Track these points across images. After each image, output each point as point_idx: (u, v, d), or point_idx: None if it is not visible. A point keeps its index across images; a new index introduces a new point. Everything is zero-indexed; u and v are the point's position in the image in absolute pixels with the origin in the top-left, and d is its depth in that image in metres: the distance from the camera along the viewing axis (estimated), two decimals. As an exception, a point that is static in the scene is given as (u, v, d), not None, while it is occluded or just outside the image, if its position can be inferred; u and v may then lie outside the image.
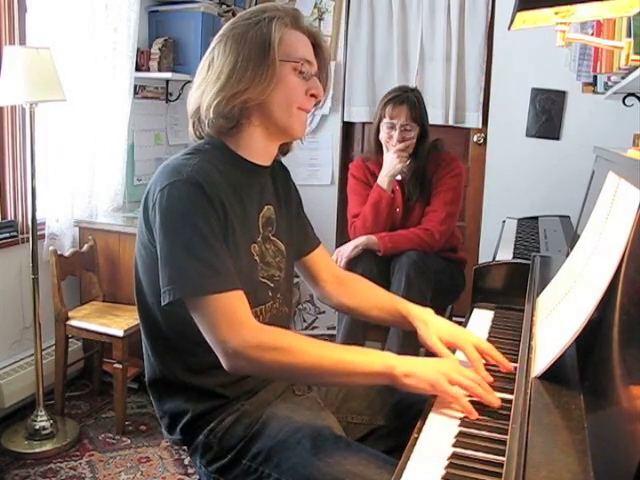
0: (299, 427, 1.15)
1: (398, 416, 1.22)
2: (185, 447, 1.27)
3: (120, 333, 2.42)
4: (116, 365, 2.46)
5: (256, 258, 1.22)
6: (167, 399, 1.24)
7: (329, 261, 1.49)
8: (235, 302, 1.07)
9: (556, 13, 1.43)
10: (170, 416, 1.24)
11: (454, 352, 1.28)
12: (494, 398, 1.05)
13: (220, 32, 1.23)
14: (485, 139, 3.44)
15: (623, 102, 2.65)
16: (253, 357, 1.05)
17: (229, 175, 1.18)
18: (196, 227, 1.07)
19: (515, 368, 1.14)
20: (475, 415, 1.03)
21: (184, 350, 1.17)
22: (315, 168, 3.61)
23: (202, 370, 1.12)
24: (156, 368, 1.24)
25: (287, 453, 1.12)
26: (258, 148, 1.24)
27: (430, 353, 1.27)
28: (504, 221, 2.95)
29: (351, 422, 1.30)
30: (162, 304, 1.08)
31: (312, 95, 1.23)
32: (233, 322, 1.06)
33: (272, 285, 1.27)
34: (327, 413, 1.27)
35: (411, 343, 2.28)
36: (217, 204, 1.11)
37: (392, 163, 2.45)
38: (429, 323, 1.30)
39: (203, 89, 1.19)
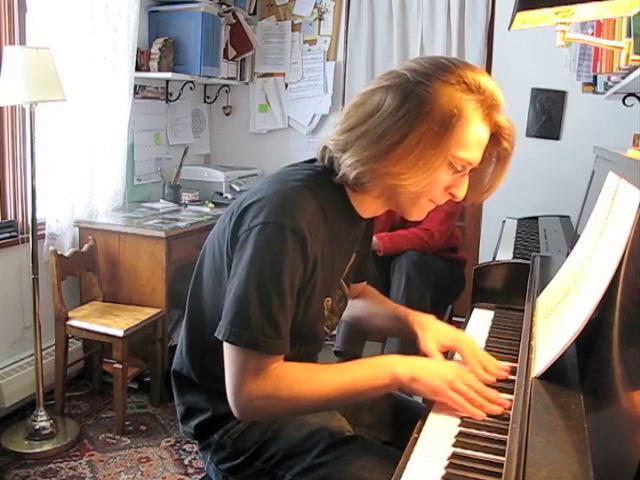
0: (315, 430, 1.15)
1: (406, 434, 1.21)
2: (194, 441, 1.29)
3: (120, 333, 2.42)
4: (116, 365, 2.46)
5: (326, 311, 1.20)
6: (188, 392, 1.24)
7: (363, 285, 1.46)
8: (272, 363, 1.05)
9: (556, 13, 1.43)
10: (187, 408, 1.24)
11: (453, 355, 1.27)
12: (495, 407, 1.04)
13: (407, 71, 1.05)
14: (485, 139, 3.43)
15: (623, 102, 2.64)
16: (262, 409, 1.06)
17: (333, 226, 1.12)
18: (280, 283, 1.01)
19: (515, 368, 1.14)
20: (482, 416, 1.03)
21: (219, 357, 1.12)
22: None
23: None
24: (185, 364, 1.23)
25: (302, 456, 1.12)
26: (371, 209, 1.18)
27: None
28: (504, 221, 2.95)
29: (358, 435, 1.29)
30: (214, 334, 1.05)
31: (450, 193, 1.10)
32: (257, 379, 1.03)
33: (329, 332, 1.26)
34: (339, 415, 1.27)
35: (411, 344, 2.28)
36: (310, 262, 1.06)
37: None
38: (427, 328, 1.28)
39: (358, 135, 1.04)
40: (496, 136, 1.10)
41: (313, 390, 1.06)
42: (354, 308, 1.44)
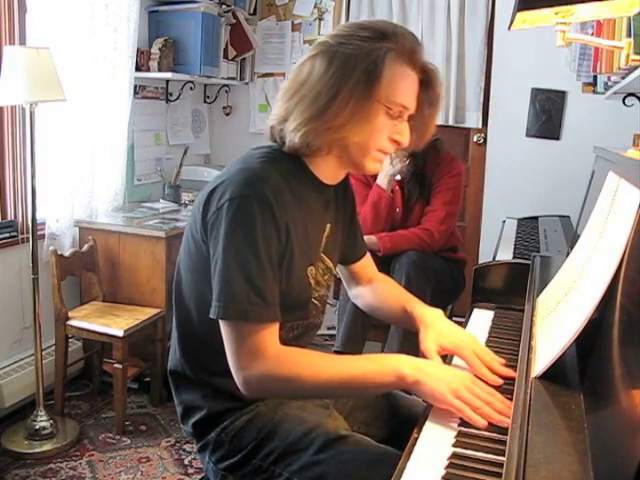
0: (311, 427, 1.16)
1: (403, 432, 1.20)
2: (194, 441, 1.29)
3: (120, 333, 2.42)
4: (116, 365, 2.46)
5: (311, 281, 1.22)
6: (184, 391, 1.25)
7: (369, 266, 1.48)
8: (266, 333, 1.07)
9: (556, 13, 1.43)
10: (185, 408, 1.25)
11: (451, 359, 1.26)
12: (503, 418, 1.00)
13: (329, 38, 1.13)
14: (485, 139, 3.44)
15: (623, 102, 2.65)
16: (264, 388, 1.10)
17: (299, 194, 1.16)
18: (256, 250, 1.06)
19: (515, 368, 1.14)
20: (483, 424, 1.00)
21: (210, 349, 1.17)
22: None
23: (224, 372, 1.12)
24: (179, 361, 1.25)
25: (299, 454, 1.13)
26: (329, 171, 1.22)
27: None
28: (504, 221, 2.95)
29: (357, 431, 1.28)
30: (210, 316, 1.08)
31: (395, 140, 1.16)
32: (254, 353, 1.06)
33: (319, 305, 1.28)
34: (336, 412, 1.28)
35: (411, 343, 2.28)
36: (282, 228, 1.10)
37: (391, 163, 2.45)
38: (430, 327, 1.27)
39: (296, 102, 1.12)
40: (426, 81, 1.17)
41: (314, 375, 1.07)
42: (367, 295, 1.46)
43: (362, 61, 1.08)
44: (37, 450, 2.32)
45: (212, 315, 1.07)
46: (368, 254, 1.50)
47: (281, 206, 1.09)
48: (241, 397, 1.19)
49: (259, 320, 1.06)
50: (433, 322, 1.29)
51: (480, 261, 3.12)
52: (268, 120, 1.20)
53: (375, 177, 2.52)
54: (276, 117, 1.16)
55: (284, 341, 1.11)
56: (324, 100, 1.08)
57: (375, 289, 1.46)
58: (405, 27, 1.17)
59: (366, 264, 1.48)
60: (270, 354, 1.07)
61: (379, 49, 1.08)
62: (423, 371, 1.07)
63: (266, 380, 1.07)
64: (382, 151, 1.17)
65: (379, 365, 1.09)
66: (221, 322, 1.08)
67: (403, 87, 1.12)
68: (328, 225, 1.27)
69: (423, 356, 1.23)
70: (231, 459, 1.19)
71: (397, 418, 1.32)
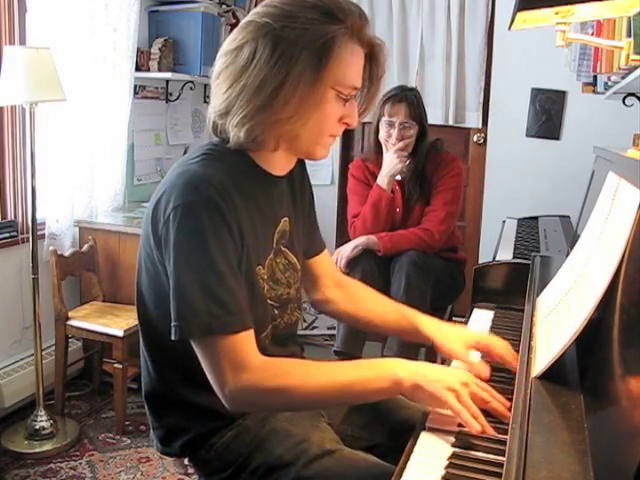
0: (298, 441, 1.13)
1: (400, 436, 1.17)
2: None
3: (120, 333, 2.42)
4: (116, 365, 2.46)
5: (260, 280, 1.14)
6: (165, 414, 1.19)
7: (331, 265, 1.42)
8: (241, 343, 1.01)
9: (556, 13, 1.43)
10: (167, 430, 1.19)
11: (449, 362, 1.26)
12: (492, 431, 0.98)
13: (269, 18, 1.02)
14: (485, 139, 3.44)
15: (623, 102, 2.65)
16: (251, 401, 1.04)
17: (246, 189, 1.08)
18: (211, 259, 0.99)
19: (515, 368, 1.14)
20: (478, 429, 0.97)
21: (186, 365, 1.09)
22: (315, 168, 3.60)
23: (205, 387, 1.04)
24: (155, 382, 1.17)
25: (286, 469, 1.10)
26: (278, 162, 1.15)
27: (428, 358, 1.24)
28: (504, 221, 2.95)
29: (351, 435, 1.26)
30: (172, 338, 1.00)
31: (345, 122, 1.10)
32: (235, 365, 1.00)
33: (278, 304, 1.20)
34: (324, 424, 1.24)
35: (411, 344, 2.28)
36: (235, 230, 1.02)
37: (392, 163, 2.45)
38: (446, 332, 1.25)
39: (238, 92, 1.02)
40: (371, 55, 1.11)
41: (304, 384, 1.02)
42: (346, 304, 1.38)
43: (310, 44, 1.00)
44: (37, 450, 2.32)
45: (173, 337, 1.00)
46: (330, 258, 1.42)
47: (229, 205, 1.01)
48: (227, 413, 1.13)
49: (227, 331, 0.99)
50: (444, 327, 1.28)
51: (480, 261, 3.12)
52: (208, 113, 1.10)
53: (375, 177, 2.52)
54: (216, 110, 1.06)
55: (263, 352, 1.05)
56: (271, 88, 0.99)
57: (352, 295, 1.38)
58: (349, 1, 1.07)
59: (327, 262, 1.39)
60: (254, 365, 1.01)
61: (327, 32, 1.00)
62: (420, 374, 1.03)
63: (254, 393, 1.01)
64: (333, 135, 1.11)
65: (373, 371, 1.04)
66: (192, 343, 1.02)
67: (352, 68, 1.06)
68: (284, 219, 1.20)
69: (425, 354, 1.22)
70: (220, 474, 1.16)
71: (393, 420, 1.29)
